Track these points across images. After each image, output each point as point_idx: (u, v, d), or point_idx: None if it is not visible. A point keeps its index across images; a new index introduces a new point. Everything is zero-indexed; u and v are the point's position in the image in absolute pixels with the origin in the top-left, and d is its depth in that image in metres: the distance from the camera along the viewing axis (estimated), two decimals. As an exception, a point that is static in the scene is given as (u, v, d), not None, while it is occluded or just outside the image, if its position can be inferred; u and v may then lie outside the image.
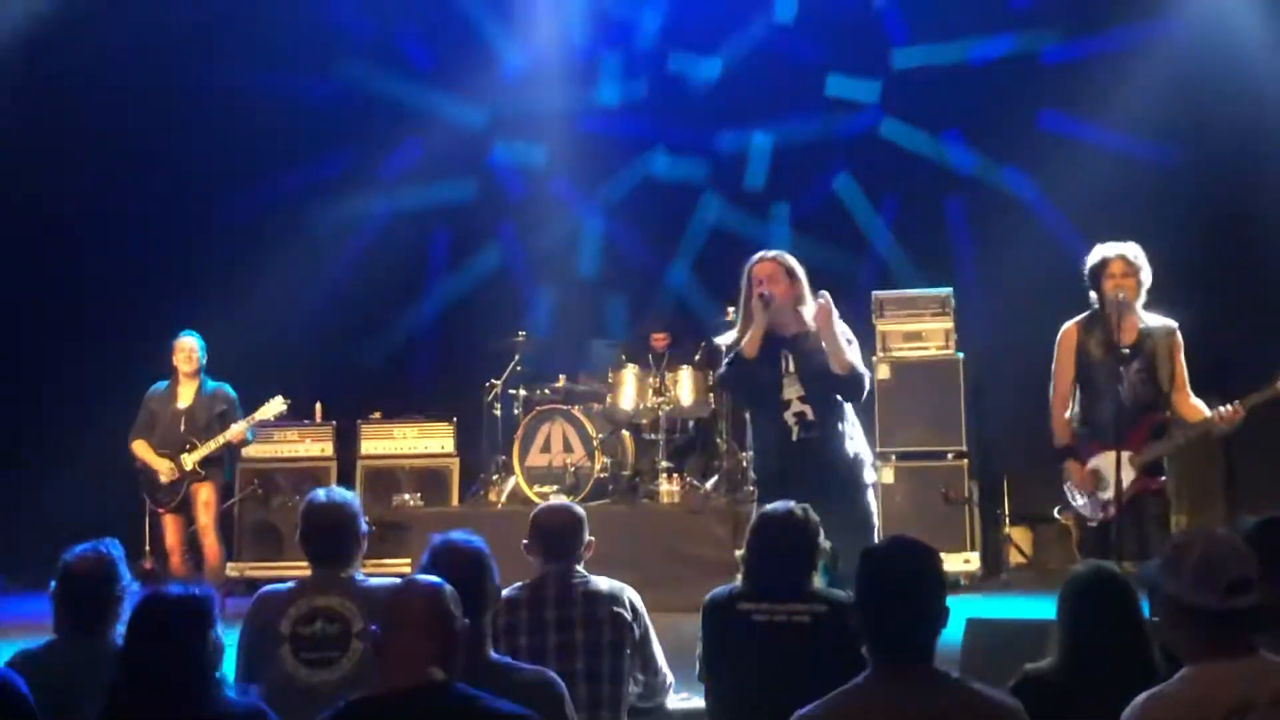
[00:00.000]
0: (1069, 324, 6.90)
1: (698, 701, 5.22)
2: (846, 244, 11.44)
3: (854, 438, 6.51)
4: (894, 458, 10.06)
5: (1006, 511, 10.41)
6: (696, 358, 10.31)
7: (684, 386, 10.09)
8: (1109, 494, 6.54)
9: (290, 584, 4.66)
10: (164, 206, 11.67)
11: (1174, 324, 6.77)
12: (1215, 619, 3.16)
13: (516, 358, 10.47)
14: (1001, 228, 10.85)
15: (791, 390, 6.48)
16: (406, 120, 11.95)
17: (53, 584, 4.39)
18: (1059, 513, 7.02)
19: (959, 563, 9.66)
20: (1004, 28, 11.11)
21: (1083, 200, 10.41)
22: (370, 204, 12.04)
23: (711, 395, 10.18)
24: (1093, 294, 6.81)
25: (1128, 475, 6.44)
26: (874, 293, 10.46)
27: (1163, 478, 6.65)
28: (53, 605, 4.39)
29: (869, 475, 6.55)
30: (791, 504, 4.69)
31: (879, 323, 10.31)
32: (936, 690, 3.27)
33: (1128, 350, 6.60)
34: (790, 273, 6.58)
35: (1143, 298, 6.70)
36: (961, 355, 10.10)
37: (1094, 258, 6.78)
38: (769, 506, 4.71)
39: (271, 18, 11.37)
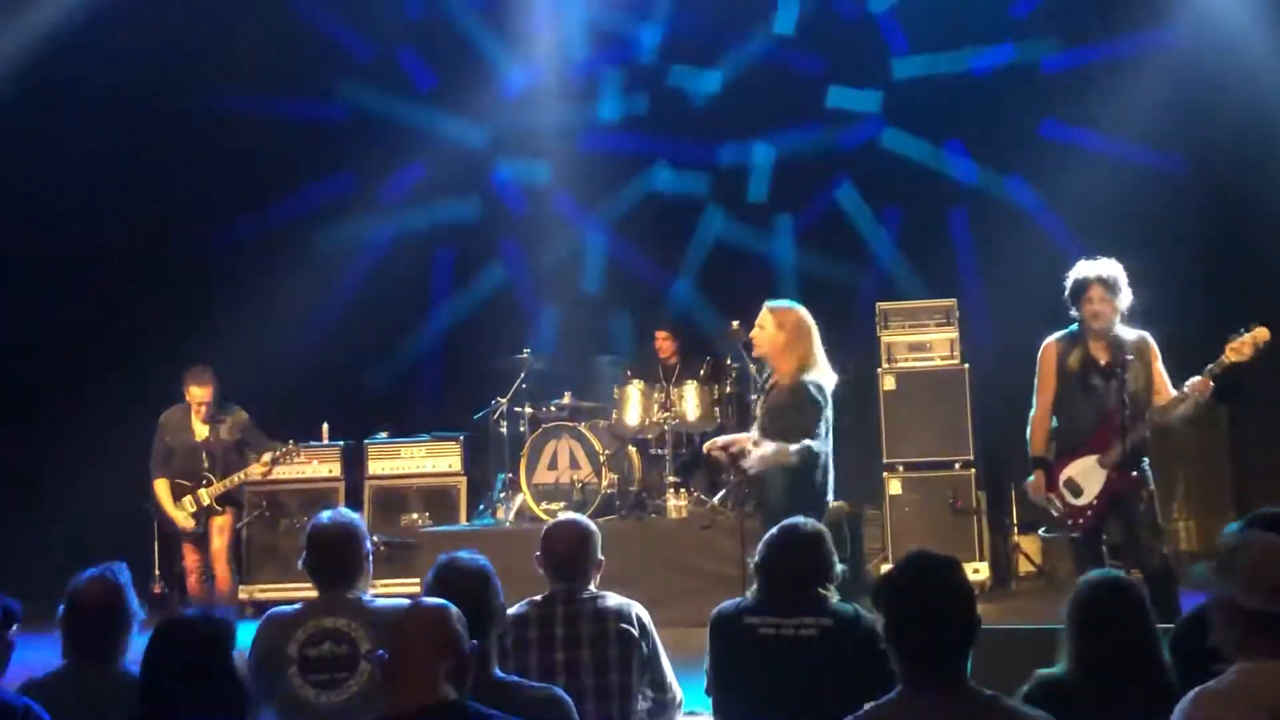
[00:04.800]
0: (1049, 340, 7.07)
1: (706, 717, 5.21)
2: (850, 255, 11.46)
3: (796, 478, 6.78)
4: (901, 468, 10.06)
5: (1015, 520, 10.40)
6: (702, 372, 10.31)
7: (689, 401, 10.08)
8: (1084, 499, 6.79)
9: (298, 606, 4.64)
10: (170, 231, 11.73)
11: (1146, 334, 6.93)
12: (1264, 620, 3.16)
13: (522, 375, 10.46)
14: (1005, 237, 10.86)
15: (757, 429, 7.10)
16: (408, 141, 11.98)
17: (60, 610, 4.37)
18: (1044, 533, 7.16)
19: (969, 572, 9.62)
20: (1004, 37, 11.13)
21: (1085, 208, 10.44)
22: (374, 225, 12.07)
23: (717, 409, 10.17)
24: (1074, 310, 6.96)
25: (1099, 478, 6.77)
26: (878, 304, 10.48)
27: (1134, 473, 6.76)
28: (60, 631, 4.37)
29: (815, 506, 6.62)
30: (800, 520, 4.70)
31: (884, 334, 10.33)
32: (968, 706, 3.24)
33: (1105, 366, 6.83)
34: (778, 321, 6.98)
35: (1120, 315, 6.87)
36: (967, 365, 10.10)
37: (1074, 278, 6.92)
38: (784, 521, 4.72)
39: (273, 42, 11.41)
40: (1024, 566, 10.38)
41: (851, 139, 11.55)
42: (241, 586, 10.09)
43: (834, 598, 4.49)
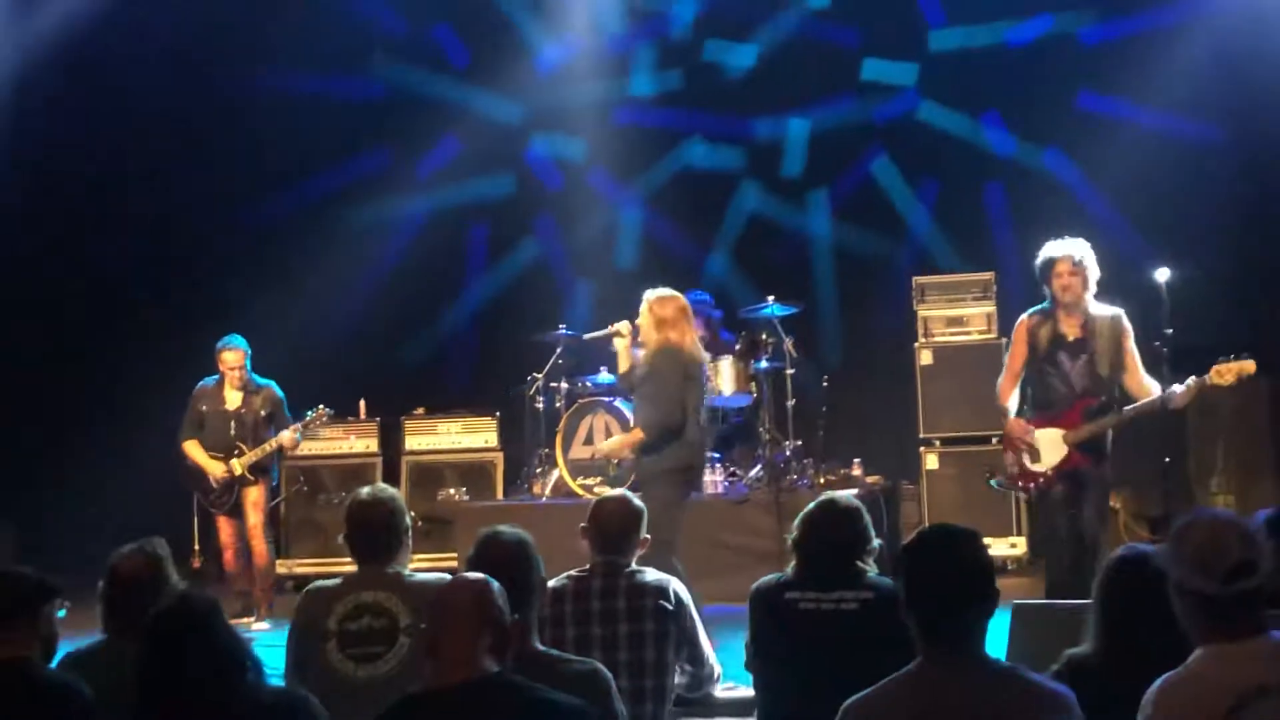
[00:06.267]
0: (1024, 316, 7.35)
1: (745, 691, 5.21)
2: (886, 229, 11.42)
3: (664, 453, 7.42)
4: (938, 443, 10.05)
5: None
6: (738, 347, 10.29)
7: (725, 376, 10.05)
8: (1041, 467, 7.12)
9: (337, 580, 4.67)
10: (207, 208, 11.77)
11: (1119, 312, 7.16)
12: (1219, 603, 3.14)
13: (557, 351, 10.46)
14: (1042, 209, 10.77)
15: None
16: (444, 117, 11.99)
17: (100, 585, 4.40)
18: (994, 484, 7.41)
19: (1005, 546, 9.64)
20: (1041, 8, 11.04)
21: (1124, 181, 10.37)
22: (409, 202, 12.09)
23: (752, 384, 10.15)
24: (1045, 288, 7.22)
25: (1060, 452, 7.07)
26: (915, 278, 10.45)
27: (1093, 454, 7.08)
28: (100, 606, 4.40)
29: (663, 480, 7.36)
30: (839, 493, 4.72)
31: (920, 308, 10.30)
32: (987, 679, 3.24)
33: (1074, 342, 7.09)
34: (647, 309, 7.63)
35: (1092, 289, 7.12)
36: (1004, 339, 10.03)
37: (1042, 256, 7.19)
38: (821, 496, 4.73)
39: (308, 19, 11.43)
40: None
41: (887, 112, 11.48)
42: (280, 561, 10.14)
43: (872, 571, 4.50)
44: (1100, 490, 7.16)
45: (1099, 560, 7.01)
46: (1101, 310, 7.12)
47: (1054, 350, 7.12)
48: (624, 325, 8.10)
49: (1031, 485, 7.19)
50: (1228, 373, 6.88)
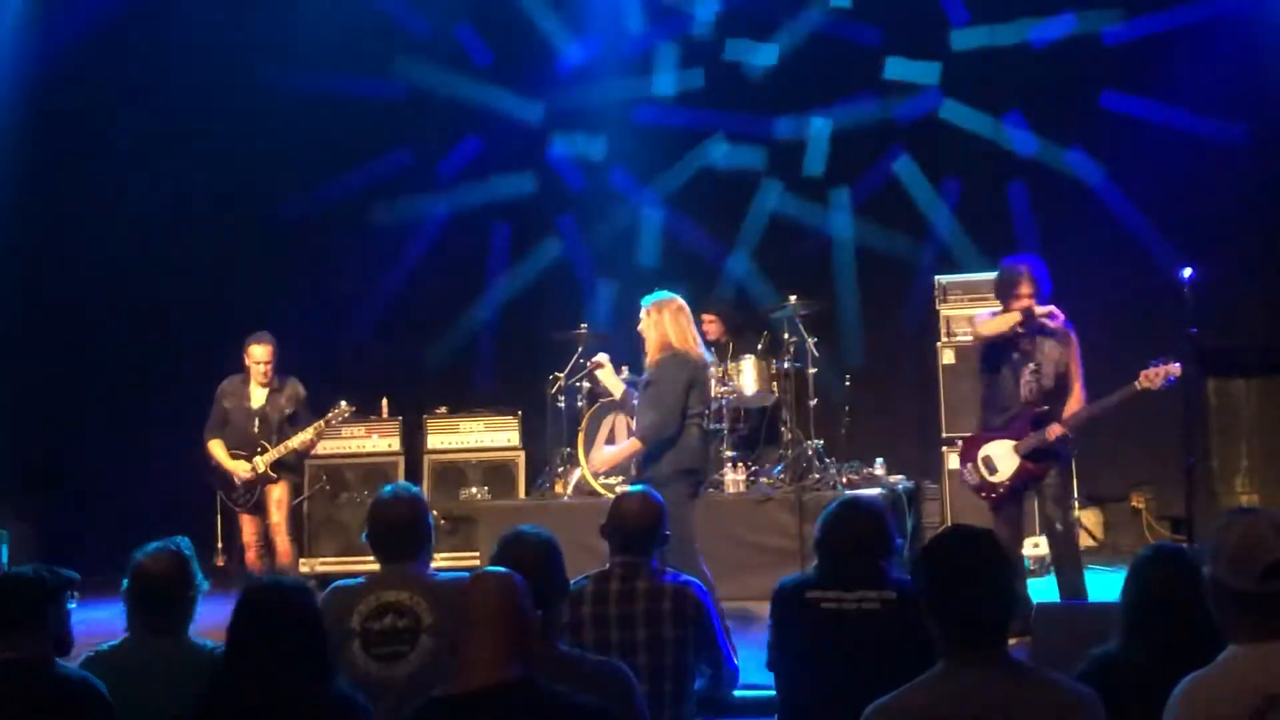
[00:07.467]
0: (983, 317, 7.65)
1: (767, 691, 5.20)
2: (908, 228, 11.39)
3: (663, 459, 7.18)
4: (960, 443, 9.99)
5: (1075, 494, 10.33)
6: (759, 347, 10.28)
7: (747, 376, 10.06)
8: (998, 478, 7.38)
9: (360, 579, 4.67)
10: (230, 208, 11.81)
11: (1070, 328, 7.39)
12: (1254, 601, 3.12)
13: (579, 350, 10.46)
14: (1065, 209, 10.76)
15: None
16: (465, 117, 12.02)
17: (124, 583, 4.37)
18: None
19: (1029, 547, 9.57)
20: (1064, 7, 11.01)
21: (1147, 180, 10.34)
22: (431, 201, 12.11)
23: (774, 384, 10.14)
24: (1001, 299, 7.49)
25: (1013, 462, 7.36)
26: (937, 277, 10.43)
27: (1046, 463, 7.33)
28: (125, 604, 4.39)
29: (666, 485, 6.74)
30: (862, 493, 4.71)
31: (942, 308, 10.28)
32: (1010, 680, 3.23)
33: (1024, 353, 7.34)
34: (645, 313, 7.51)
35: (1044, 303, 7.35)
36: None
37: (1004, 273, 7.50)
38: (844, 495, 4.72)
39: (330, 19, 11.45)
40: (1085, 541, 10.30)
41: (909, 111, 11.45)
42: (302, 560, 10.17)
43: (895, 571, 4.48)
44: (1058, 483, 7.39)
45: (1074, 542, 7.47)
46: (1052, 323, 7.33)
47: (1009, 358, 7.35)
48: (601, 357, 8.34)
49: (994, 495, 7.42)
50: (1156, 377, 7.06)
